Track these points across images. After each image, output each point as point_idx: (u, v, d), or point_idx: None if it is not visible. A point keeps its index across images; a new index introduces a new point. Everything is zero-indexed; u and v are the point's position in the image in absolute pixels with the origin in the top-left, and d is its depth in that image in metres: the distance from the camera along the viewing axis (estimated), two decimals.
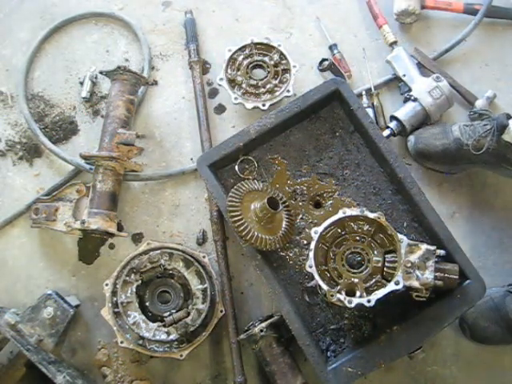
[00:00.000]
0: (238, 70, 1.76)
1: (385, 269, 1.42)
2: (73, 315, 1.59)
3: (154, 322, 1.58)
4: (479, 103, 1.78)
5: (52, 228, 1.68)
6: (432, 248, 1.40)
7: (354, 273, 1.43)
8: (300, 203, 1.63)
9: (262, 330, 1.53)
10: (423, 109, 1.71)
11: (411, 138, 1.71)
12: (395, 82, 1.83)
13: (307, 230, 1.60)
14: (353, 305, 1.35)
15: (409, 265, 1.37)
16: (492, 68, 1.86)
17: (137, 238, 1.76)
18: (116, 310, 1.57)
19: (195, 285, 1.60)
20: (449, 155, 1.53)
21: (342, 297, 1.36)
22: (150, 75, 1.88)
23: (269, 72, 1.75)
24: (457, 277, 1.41)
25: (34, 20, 1.96)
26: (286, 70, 1.76)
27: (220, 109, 1.87)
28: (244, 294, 1.71)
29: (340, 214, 1.44)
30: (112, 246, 1.76)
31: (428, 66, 1.81)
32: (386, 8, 1.89)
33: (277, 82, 1.75)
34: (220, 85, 1.75)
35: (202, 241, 1.75)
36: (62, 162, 1.79)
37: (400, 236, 1.40)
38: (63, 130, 1.85)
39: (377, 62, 1.88)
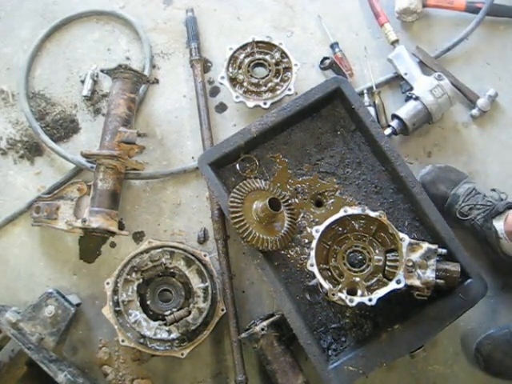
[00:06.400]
0: (240, 68, 1.76)
1: (386, 268, 1.42)
2: (74, 314, 1.59)
3: (155, 320, 1.58)
4: (481, 102, 1.79)
5: (53, 226, 1.68)
6: (433, 247, 1.40)
7: (355, 271, 1.43)
8: (301, 202, 1.62)
9: (263, 329, 1.52)
10: (425, 107, 1.70)
11: (429, 166, 1.69)
12: (397, 81, 1.83)
13: (308, 229, 1.60)
14: (354, 304, 1.35)
15: (410, 264, 1.37)
16: (494, 67, 1.86)
17: (138, 237, 1.76)
18: (117, 308, 1.57)
19: (196, 283, 1.60)
20: (439, 205, 1.55)
21: (343, 295, 1.36)
22: (151, 74, 1.88)
23: (270, 70, 1.75)
24: (458, 276, 1.41)
25: (35, 18, 1.96)
26: (288, 69, 1.76)
27: (221, 107, 1.86)
28: (245, 292, 1.71)
29: (341, 213, 1.44)
30: (113, 245, 1.76)
31: (429, 64, 1.81)
32: (387, 6, 1.89)
33: (278, 80, 1.75)
34: (221, 83, 1.75)
35: (203, 239, 1.75)
36: (63, 160, 1.79)
37: (401, 235, 1.40)
38: (64, 129, 1.85)
39: (378, 60, 1.88)
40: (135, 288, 1.59)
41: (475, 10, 1.84)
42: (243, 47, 1.77)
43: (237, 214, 1.47)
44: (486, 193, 1.62)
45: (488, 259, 1.66)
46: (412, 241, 1.40)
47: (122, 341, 1.55)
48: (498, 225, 1.53)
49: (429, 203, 1.51)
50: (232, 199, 1.49)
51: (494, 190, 1.63)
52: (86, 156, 1.67)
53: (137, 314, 1.57)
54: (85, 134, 1.85)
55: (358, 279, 1.41)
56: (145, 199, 1.79)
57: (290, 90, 1.73)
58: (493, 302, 1.67)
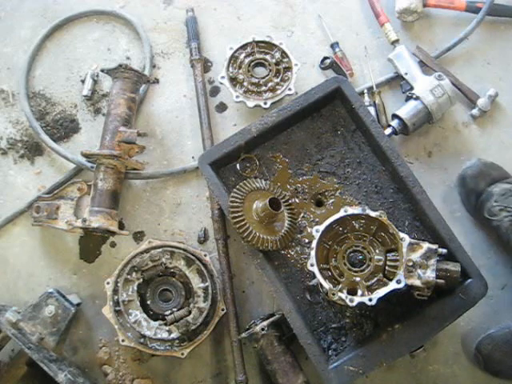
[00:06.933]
0: (240, 68, 1.76)
1: (386, 267, 1.42)
2: (74, 313, 1.59)
3: (155, 320, 1.58)
4: (481, 102, 1.78)
5: (53, 226, 1.68)
6: (434, 247, 1.40)
7: (355, 271, 1.43)
8: (301, 202, 1.62)
9: (263, 329, 1.53)
10: (425, 107, 1.70)
11: (474, 159, 1.68)
12: (397, 81, 1.82)
13: (308, 229, 1.60)
14: (354, 303, 1.35)
15: (410, 263, 1.37)
16: (494, 66, 1.86)
17: (138, 237, 1.76)
18: (117, 308, 1.57)
19: (196, 283, 1.60)
20: (474, 200, 1.54)
21: (343, 295, 1.36)
22: (151, 73, 1.87)
23: (270, 70, 1.75)
24: (458, 276, 1.41)
25: (36, 18, 1.96)
26: (288, 69, 1.76)
27: (221, 107, 1.86)
28: (245, 292, 1.71)
29: (341, 213, 1.44)
30: (113, 245, 1.76)
31: (430, 64, 1.81)
32: (387, 6, 1.89)
33: (278, 80, 1.75)
34: (221, 83, 1.75)
35: (203, 239, 1.75)
36: (63, 160, 1.79)
37: (401, 235, 1.40)
38: (64, 128, 1.85)
39: (379, 60, 1.87)
40: (135, 288, 1.59)
41: (475, 10, 1.84)
42: (243, 47, 1.77)
43: (237, 214, 1.47)
44: None
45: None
46: (412, 241, 1.40)
47: (122, 341, 1.55)
48: None
49: (429, 203, 1.51)
50: (232, 199, 1.49)
51: None
52: (86, 156, 1.67)
53: (137, 314, 1.57)
54: (85, 133, 1.85)
55: (358, 279, 1.41)
56: (145, 199, 1.79)
57: (290, 89, 1.73)
58: (493, 302, 1.66)
